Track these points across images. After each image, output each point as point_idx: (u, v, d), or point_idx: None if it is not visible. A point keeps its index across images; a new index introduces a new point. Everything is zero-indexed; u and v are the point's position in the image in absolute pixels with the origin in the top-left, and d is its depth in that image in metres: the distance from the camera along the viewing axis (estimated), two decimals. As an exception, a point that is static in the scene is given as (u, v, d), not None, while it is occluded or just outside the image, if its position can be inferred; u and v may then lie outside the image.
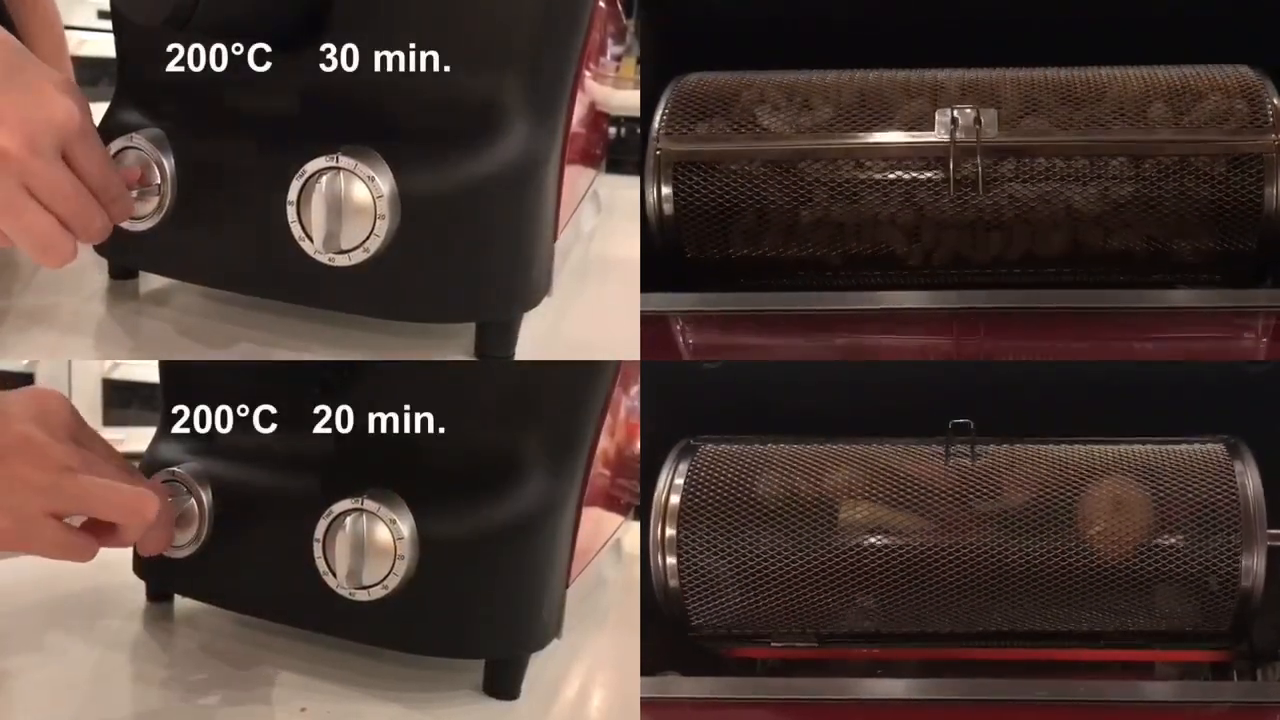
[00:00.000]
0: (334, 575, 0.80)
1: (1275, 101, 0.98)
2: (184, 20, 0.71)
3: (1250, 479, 0.95)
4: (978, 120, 0.98)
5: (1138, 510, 0.94)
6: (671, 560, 0.98)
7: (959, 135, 0.97)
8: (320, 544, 0.80)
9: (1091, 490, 0.95)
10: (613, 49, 1.24)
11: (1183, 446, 0.98)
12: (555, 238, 0.88)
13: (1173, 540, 0.94)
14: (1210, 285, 1.01)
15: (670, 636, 0.99)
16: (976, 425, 0.99)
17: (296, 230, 0.76)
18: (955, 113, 0.98)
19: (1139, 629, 0.96)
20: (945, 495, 0.96)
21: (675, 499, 0.98)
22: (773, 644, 1.01)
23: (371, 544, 0.79)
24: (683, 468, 1.00)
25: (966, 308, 0.98)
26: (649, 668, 0.93)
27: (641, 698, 0.88)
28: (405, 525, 0.79)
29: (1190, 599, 0.94)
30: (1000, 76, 1.02)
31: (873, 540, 0.96)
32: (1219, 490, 0.95)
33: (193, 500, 0.84)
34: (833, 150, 1.00)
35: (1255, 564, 0.92)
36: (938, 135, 0.98)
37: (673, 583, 0.98)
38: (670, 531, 0.98)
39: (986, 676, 0.98)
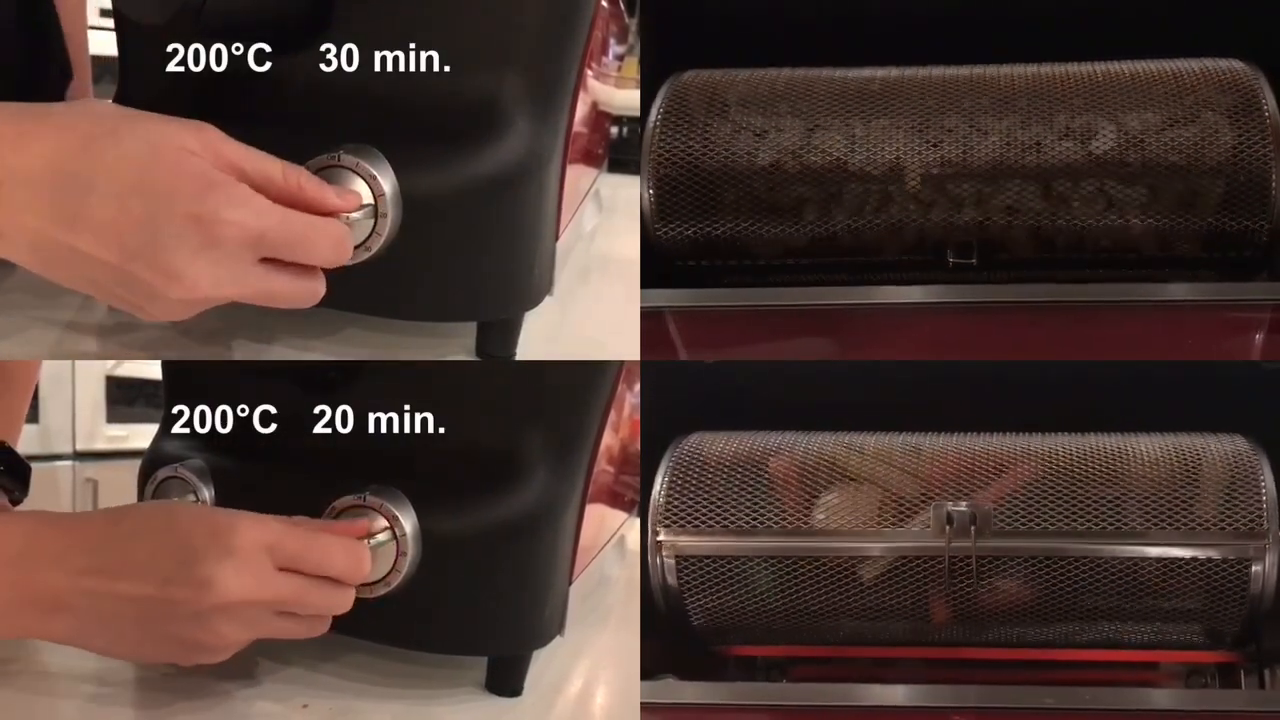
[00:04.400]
0: (336, 572, 0.80)
1: (1269, 99, 0.97)
2: (188, 20, 0.71)
3: (1264, 477, 0.94)
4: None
5: (1151, 572, 0.94)
6: (670, 558, 0.98)
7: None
8: (322, 541, 0.80)
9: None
10: (615, 48, 1.24)
11: (1196, 442, 0.97)
12: (557, 237, 0.88)
13: (1183, 541, 0.93)
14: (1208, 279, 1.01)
15: (669, 638, 0.99)
16: (976, 421, 0.99)
17: (298, 229, 0.76)
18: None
19: (1146, 629, 0.96)
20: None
21: (672, 496, 0.98)
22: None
23: (373, 541, 0.79)
24: (680, 465, 1.00)
25: (967, 302, 0.97)
26: (647, 671, 0.93)
27: (640, 703, 0.87)
28: (408, 522, 0.80)
29: (1200, 600, 0.93)
30: (996, 74, 1.02)
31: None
32: (1232, 489, 0.94)
33: (195, 498, 0.84)
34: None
35: (1266, 566, 0.92)
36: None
37: (671, 581, 0.98)
38: (669, 529, 0.98)
39: (990, 674, 0.98)
